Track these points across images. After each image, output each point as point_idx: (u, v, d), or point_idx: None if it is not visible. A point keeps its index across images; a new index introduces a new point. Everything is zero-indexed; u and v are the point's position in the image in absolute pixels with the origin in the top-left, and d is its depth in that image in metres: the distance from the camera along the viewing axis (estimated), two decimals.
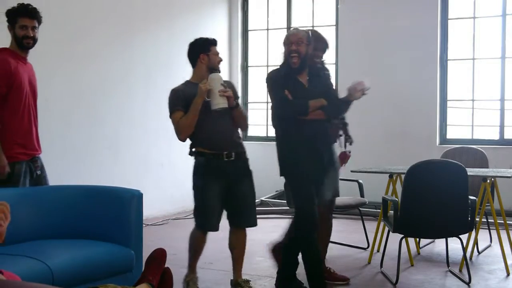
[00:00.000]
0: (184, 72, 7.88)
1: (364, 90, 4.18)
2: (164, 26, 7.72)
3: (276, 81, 4.15)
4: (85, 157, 6.53)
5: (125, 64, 7.13)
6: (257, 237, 5.30)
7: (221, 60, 4.35)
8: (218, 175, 4.18)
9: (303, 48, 4.08)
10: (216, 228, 4.23)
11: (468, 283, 4.54)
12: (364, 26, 7.85)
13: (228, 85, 4.26)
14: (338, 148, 4.52)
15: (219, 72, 4.22)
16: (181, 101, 4.24)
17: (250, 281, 4.35)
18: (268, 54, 8.77)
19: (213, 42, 4.39)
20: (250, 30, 8.98)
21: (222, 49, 8.49)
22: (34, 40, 4.21)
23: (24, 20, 4.16)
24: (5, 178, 4.07)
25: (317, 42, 4.36)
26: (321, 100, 4.08)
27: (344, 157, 4.60)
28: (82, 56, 6.50)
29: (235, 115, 4.19)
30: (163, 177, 7.65)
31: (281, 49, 4.18)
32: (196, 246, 4.31)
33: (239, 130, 4.38)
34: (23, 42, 4.18)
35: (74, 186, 4.26)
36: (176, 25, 7.90)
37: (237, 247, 4.30)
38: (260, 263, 5.13)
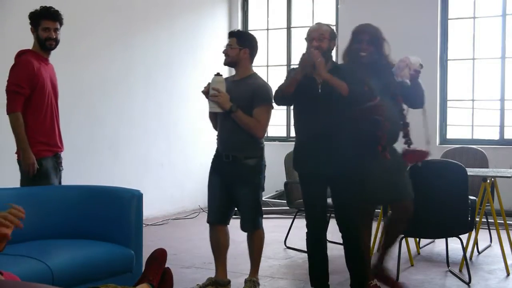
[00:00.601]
0: (184, 72, 7.96)
1: (411, 66, 3.90)
2: (164, 26, 7.72)
3: (288, 73, 4.11)
4: (85, 157, 6.53)
5: (125, 64, 7.13)
6: None
7: (225, 53, 4.26)
8: (218, 173, 4.27)
9: (325, 44, 3.93)
10: (211, 221, 4.31)
11: (468, 283, 4.54)
12: None
13: (255, 87, 4.16)
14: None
15: (221, 75, 4.18)
16: None
17: (257, 283, 4.32)
18: (268, 54, 8.77)
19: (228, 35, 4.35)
20: (250, 30, 8.97)
21: (222, 49, 8.54)
22: (57, 42, 4.39)
23: (46, 22, 4.32)
24: (34, 174, 4.23)
25: (362, 34, 4.08)
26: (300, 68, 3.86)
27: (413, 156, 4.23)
28: (82, 56, 6.51)
29: (235, 119, 4.13)
30: (163, 177, 7.65)
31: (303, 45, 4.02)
32: (210, 242, 4.36)
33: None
34: (46, 44, 4.34)
35: (74, 186, 4.26)
36: (176, 25, 7.90)
37: (249, 246, 4.34)
38: (260, 263, 5.12)
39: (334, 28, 4.12)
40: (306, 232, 4.12)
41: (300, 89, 3.95)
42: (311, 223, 4.09)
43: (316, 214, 4.06)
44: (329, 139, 3.93)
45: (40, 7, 4.36)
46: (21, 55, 4.32)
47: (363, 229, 4.24)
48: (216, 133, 4.39)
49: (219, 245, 4.31)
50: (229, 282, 4.35)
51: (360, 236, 4.15)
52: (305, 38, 4.03)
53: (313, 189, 4.04)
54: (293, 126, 4.23)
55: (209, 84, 4.19)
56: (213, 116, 4.33)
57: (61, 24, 4.39)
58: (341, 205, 4.05)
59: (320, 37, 3.94)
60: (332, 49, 4.03)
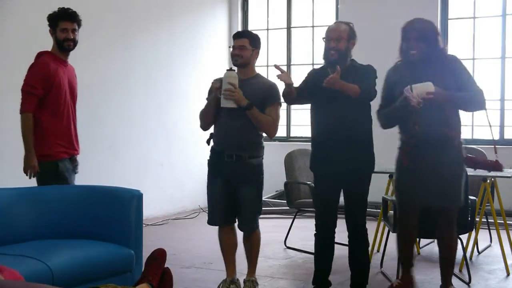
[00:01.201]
0: (184, 72, 7.96)
1: (413, 98, 3.65)
2: (164, 26, 7.72)
3: (308, 75, 4.13)
4: (85, 157, 6.50)
5: (125, 64, 7.13)
6: None
7: (234, 54, 4.17)
8: (219, 173, 4.21)
9: (343, 44, 3.89)
10: (216, 223, 4.28)
11: (468, 283, 4.54)
12: (364, 26, 7.84)
13: (267, 86, 4.15)
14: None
15: (233, 70, 4.12)
16: (209, 92, 4.26)
17: (256, 282, 4.33)
18: (268, 54, 8.76)
19: (234, 36, 4.28)
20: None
21: (222, 49, 8.56)
22: (75, 42, 4.41)
23: (64, 23, 4.35)
24: (52, 177, 4.27)
25: (409, 31, 3.94)
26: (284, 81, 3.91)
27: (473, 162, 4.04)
28: (82, 56, 6.48)
29: (249, 117, 4.08)
30: (163, 177, 7.65)
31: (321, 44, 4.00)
32: (221, 244, 4.33)
33: (263, 134, 4.22)
34: (64, 45, 4.36)
35: (74, 186, 4.27)
36: (176, 25, 7.90)
37: (245, 246, 4.33)
38: (260, 263, 5.10)
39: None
40: (315, 233, 4.13)
41: (314, 88, 3.97)
42: (322, 224, 4.11)
43: (328, 216, 4.07)
44: (344, 136, 3.92)
45: (58, 8, 4.40)
46: (39, 57, 4.37)
47: (403, 228, 4.14)
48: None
49: (231, 246, 4.31)
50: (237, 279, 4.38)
51: (408, 233, 4.11)
52: (323, 38, 3.99)
53: (328, 191, 4.05)
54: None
55: (217, 79, 4.13)
56: (208, 115, 4.22)
57: (79, 25, 4.42)
58: (352, 204, 4.07)
59: (338, 37, 3.91)
60: (351, 48, 3.99)
